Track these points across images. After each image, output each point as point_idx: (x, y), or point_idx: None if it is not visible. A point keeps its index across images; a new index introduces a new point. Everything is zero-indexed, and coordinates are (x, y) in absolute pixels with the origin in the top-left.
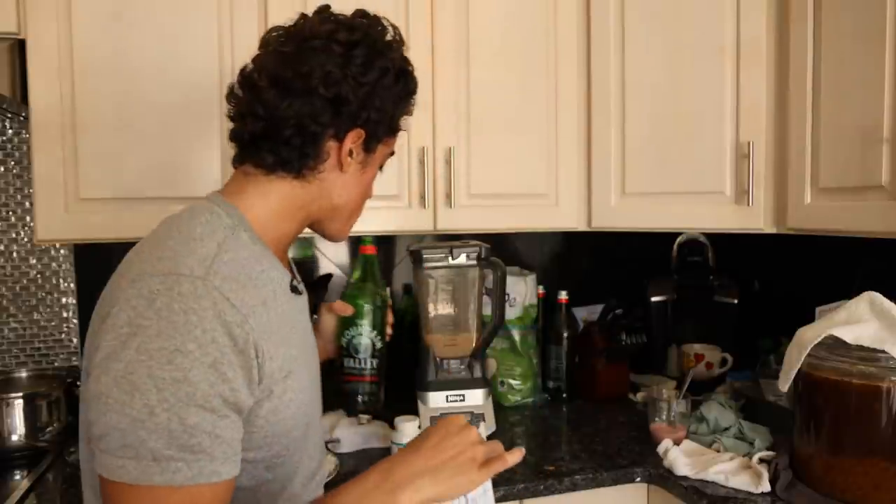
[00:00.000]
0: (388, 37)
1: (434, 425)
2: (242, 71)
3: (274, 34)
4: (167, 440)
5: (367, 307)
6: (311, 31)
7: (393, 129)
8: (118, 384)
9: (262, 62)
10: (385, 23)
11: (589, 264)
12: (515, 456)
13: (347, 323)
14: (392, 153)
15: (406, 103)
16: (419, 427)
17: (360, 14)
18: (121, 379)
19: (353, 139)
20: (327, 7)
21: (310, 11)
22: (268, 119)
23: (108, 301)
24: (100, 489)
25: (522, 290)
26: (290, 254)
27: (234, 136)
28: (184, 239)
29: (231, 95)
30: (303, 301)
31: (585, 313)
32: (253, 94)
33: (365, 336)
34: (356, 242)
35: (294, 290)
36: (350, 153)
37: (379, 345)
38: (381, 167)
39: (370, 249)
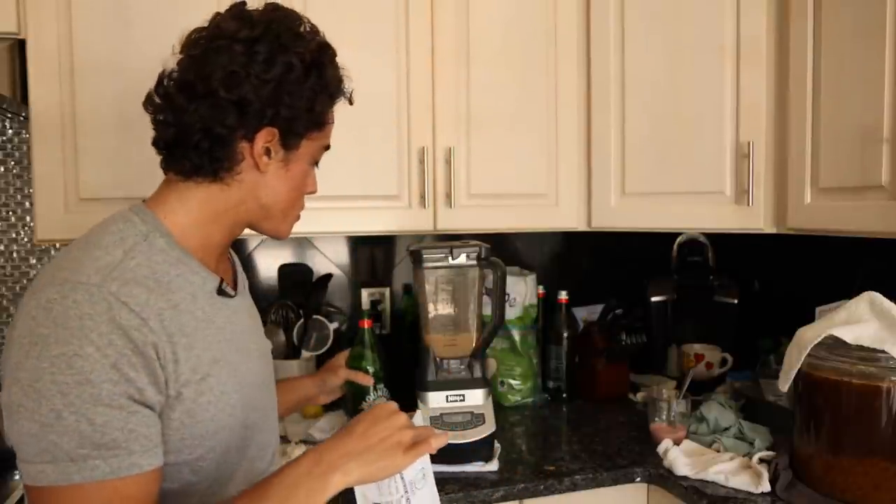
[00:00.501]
0: (298, 29)
1: (366, 412)
2: (160, 76)
3: (193, 36)
4: (79, 440)
5: (372, 371)
6: (216, 31)
7: (316, 123)
8: (26, 393)
9: (175, 67)
10: (297, 15)
11: (589, 264)
12: (440, 440)
13: (362, 389)
14: (327, 147)
15: (326, 95)
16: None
17: (271, 7)
18: (27, 388)
19: (266, 138)
20: (241, 4)
21: (310, 12)
22: (177, 125)
23: (16, 313)
24: (28, 500)
25: (522, 290)
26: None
27: (154, 143)
28: (88, 248)
29: (148, 101)
30: (237, 303)
31: (585, 313)
32: (165, 100)
33: (377, 396)
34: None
35: (222, 293)
36: (268, 152)
37: (387, 395)
38: (315, 163)
39: (368, 323)
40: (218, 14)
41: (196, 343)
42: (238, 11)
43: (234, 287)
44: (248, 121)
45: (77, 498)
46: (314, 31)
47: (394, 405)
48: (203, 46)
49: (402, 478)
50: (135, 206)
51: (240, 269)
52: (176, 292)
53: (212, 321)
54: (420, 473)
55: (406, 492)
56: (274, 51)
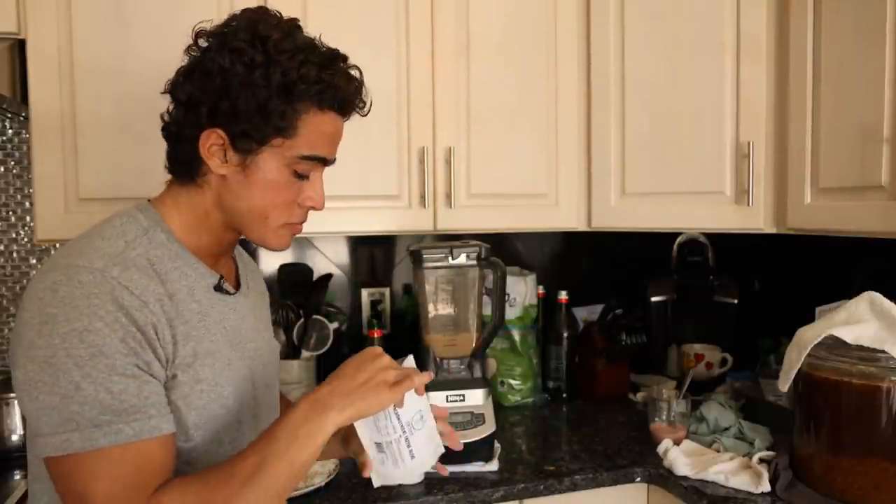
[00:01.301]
0: (257, 28)
1: (352, 357)
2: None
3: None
4: (100, 408)
5: None
6: (195, 36)
7: (277, 129)
8: (42, 369)
9: None
10: (272, 17)
11: (589, 264)
12: (423, 378)
13: None
14: (320, 160)
15: (281, 99)
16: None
17: (247, 9)
18: (43, 364)
19: (211, 139)
20: (243, 10)
21: (310, 11)
22: (162, 127)
23: (23, 298)
24: (51, 475)
25: (522, 290)
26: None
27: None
28: (91, 239)
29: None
30: (238, 302)
31: (585, 313)
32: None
33: None
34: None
35: (221, 290)
36: (224, 155)
37: None
38: (298, 175)
39: (378, 333)
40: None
41: (192, 332)
42: (229, 16)
43: (237, 286)
44: (190, 120)
45: (104, 461)
46: (279, 30)
47: (378, 349)
48: (185, 50)
49: (398, 418)
50: (140, 204)
51: (250, 269)
52: (173, 282)
53: (207, 315)
54: (418, 415)
55: (404, 432)
56: (221, 48)
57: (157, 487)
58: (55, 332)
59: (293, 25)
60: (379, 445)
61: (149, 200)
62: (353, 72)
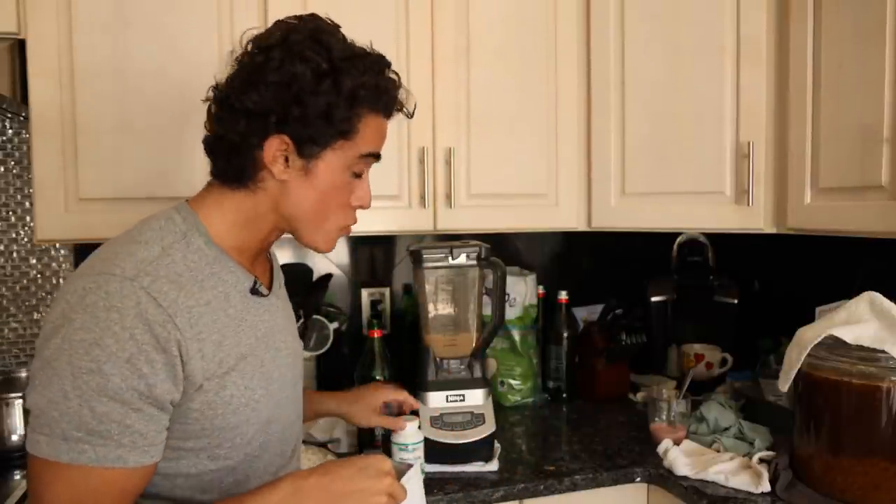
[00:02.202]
0: (321, 37)
1: (362, 457)
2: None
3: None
4: (77, 424)
5: (382, 381)
6: (248, 43)
7: (340, 132)
8: (43, 368)
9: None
10: (329, 25)
11: (589, 264)
12: None
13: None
14: (374, 156)
15: (345, 104)
16: (419, 427)
17: (304, 17)
18: (45, 363)
19: (277, 146)
20: (290, 17)
21: (309, 10)
22: (211, 132)
23: (56, 296)
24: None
25: (522, 290)
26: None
27: (203, 146)
28: (128, 243)
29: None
30: (271, 303)
31: (585, 313)
32: (211, 108)
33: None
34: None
35: (256, 292)
36: (286, 161)
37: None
38: (357, 174)
39: (378, 333)
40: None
41: (225, 339)
42: (277, 22)
43: (270, 287)
44: (256, 128)
45: (65, 477)
46: (330, 38)
47: (388, 466)
48: (237, 58)
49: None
50: (178, 204)
51: (277, 269)
52: (209, 290)
53: (243, 318)
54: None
55: None
56: (284, 58)
57: None
58: (67, 336)
59: (341, 31)
60: None
61: (186, 200)
62: (393, 75)
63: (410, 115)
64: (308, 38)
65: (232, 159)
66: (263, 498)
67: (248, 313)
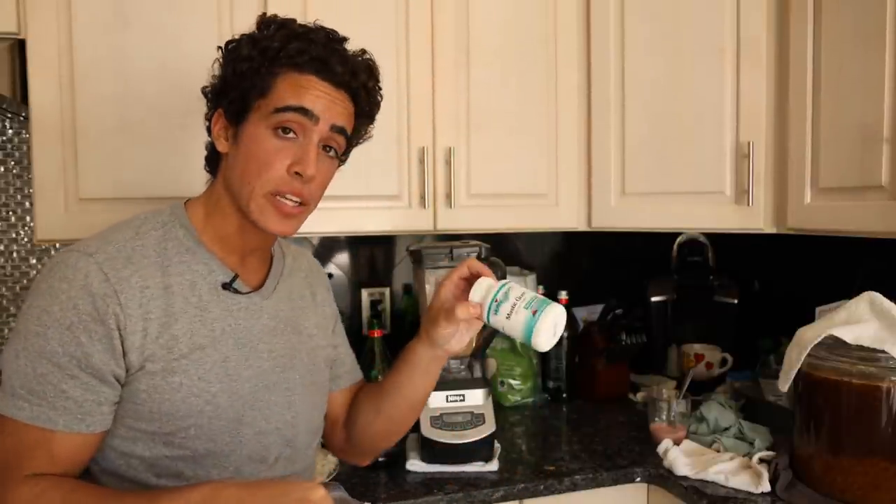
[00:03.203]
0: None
1: (288, 480)
2: None
3: None
4: (21, 382)
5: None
6: None
7: (256, 89)
8: (12, 328)
9: None
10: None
11: (589, 264)
12: None
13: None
14: (298, 109)
15: (261, 61)
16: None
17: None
18: (13, 326)
19: (216, 120)
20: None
21: (310, 11)
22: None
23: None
24: None
25: None
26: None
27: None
28: (113, 227)
29: None
30: (253, 302)
31: (585, 313)
32: None
33: None
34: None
35: (229, 288)
36: (227, 135)
37: None
38: (280, 129)
39: (378, 333)
40: None
41: (177, 325)
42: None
43: (261, 287)
44: (210, 110)
45: (9, 430)
46: (262, 19)
47: (321, 493)
48: None
49: None
50: (176, 202)
51: (298, 275)
52: (173, 276)
53: (206, 309)
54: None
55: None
56: (228, 43)
57: (35, 474)
58: (29, 304)
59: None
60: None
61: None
62: (339, 45)
63: (342, 83)
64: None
65: (208, 148)
66: (178, 496)
67: (214, 306)
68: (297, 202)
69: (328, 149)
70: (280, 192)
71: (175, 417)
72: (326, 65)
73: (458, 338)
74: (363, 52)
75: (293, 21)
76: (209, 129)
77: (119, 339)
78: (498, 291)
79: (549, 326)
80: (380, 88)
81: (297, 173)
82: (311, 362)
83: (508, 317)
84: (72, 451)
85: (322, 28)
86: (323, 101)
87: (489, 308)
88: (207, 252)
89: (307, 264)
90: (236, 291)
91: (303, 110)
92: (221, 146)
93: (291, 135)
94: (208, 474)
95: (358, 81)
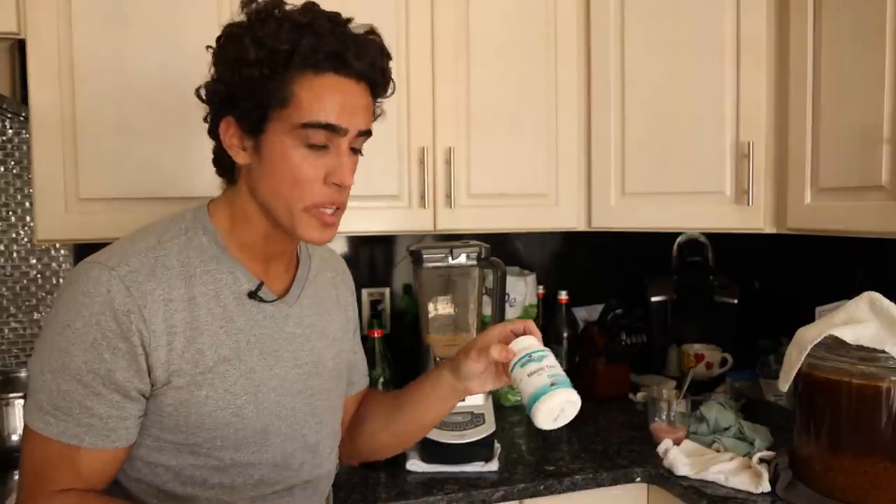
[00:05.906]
0: (246, 11)
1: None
2: None
3: None
4: (48, 397)
5: (383, 381)
6: None
7: (274, 100)
8: (36, 347)
9: None
10: (271, 3)
11: (589, 264)
12: None
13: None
14: (327, 127)
15: (272, 66)
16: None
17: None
18: (38, 341)
19: (224, 129)
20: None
21: None
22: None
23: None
24: None
25: (522, 290)
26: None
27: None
28: (136, 234)
29: None
30: (278, 310)
31: (585, 313)
32: None
33: None
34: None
35: (254, 297)
36: (242, 144)
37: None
38: (316, 145)
39: (378, 333)
40: None
41: (203, 338)
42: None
43: (286, 293)
44: (213, 116)
45: (36, 443)
46: (251, 10)
47: None
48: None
49: None
50: (198, 205)
51: (309, 277)
52: (197, 286)
53: (231, 320)
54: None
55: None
56: (219, 38)
57: (63, 490)
58: (52, 319)
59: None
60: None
61: (212, 198)
62: (347, 30)
63: (362, 74)
64: (241, 18)
65: (215, 153)
66: None
67: (239, 316)
68: (335, 209)
69: (354, 150)
70: (319, 204)
71: (202, 429)
72: (343, 59)
73: (480, 380)
74: (371, 31)
75: (285, 4)
76: (213, 134)
77: (144, 356)
78: (535, 351)
79: (557, 403)
80: (391, 60)
81: (334, 183)
82: (335, 367)
83: (530, 375)
84: (98, 466)
85: (322, 12)
86: (348, 108)
87: (519, 359)
88: (232, 259)
89: (336, 265)
90: (261, 300)
91: (331, 127)
92: (240, 158)
93: (321, 146)
94: (233, 482)
95: (376, 69)
